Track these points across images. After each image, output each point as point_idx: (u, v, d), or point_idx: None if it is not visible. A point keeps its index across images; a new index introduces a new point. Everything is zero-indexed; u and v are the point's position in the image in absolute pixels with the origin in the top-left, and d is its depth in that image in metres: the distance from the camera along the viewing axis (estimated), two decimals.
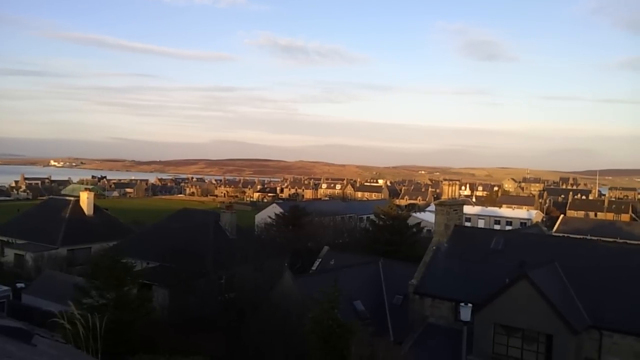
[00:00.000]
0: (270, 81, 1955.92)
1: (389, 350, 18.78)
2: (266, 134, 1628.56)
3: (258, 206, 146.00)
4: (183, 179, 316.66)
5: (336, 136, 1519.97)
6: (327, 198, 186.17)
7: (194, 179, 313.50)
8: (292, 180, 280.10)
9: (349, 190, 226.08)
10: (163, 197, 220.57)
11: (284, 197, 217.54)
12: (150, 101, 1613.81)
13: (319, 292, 22.21)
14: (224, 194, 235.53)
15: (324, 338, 19.53)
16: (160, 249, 42.64)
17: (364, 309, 30.73)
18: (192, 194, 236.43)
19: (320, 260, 40.09)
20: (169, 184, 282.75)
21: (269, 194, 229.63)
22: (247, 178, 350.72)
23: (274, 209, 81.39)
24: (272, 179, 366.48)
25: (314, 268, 39.20)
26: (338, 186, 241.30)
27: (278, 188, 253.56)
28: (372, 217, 64.59)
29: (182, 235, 44.76)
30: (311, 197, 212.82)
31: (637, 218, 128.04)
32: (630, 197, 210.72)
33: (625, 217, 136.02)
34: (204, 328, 27.86)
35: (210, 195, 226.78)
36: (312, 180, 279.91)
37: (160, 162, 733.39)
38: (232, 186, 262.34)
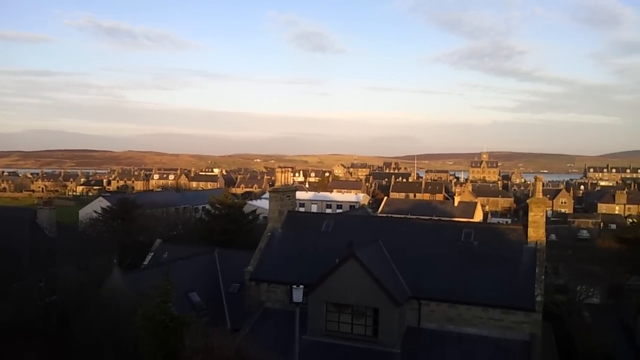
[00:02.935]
0: (95, 66, 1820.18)
1: (224, 338, 18.73)
2: (90, 122, 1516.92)
3: (82, 200, 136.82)
4: None
5: (168, 125, 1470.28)
6: (159, 189, 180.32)
7: (6, 173, 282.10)
8: (120, 171, 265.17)
9: (183, 180, 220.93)
10: None
11: (111, 189, 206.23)
12: None
13: (150, 287, 21.39)
14: (42, 188, 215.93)
15: (157, 334, 18.85)
16: None
17: (200, 300, 30.32)
18: (4, 189, 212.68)
19: (152, 254, 38.77)
20: None
21: (95, 187, 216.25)
22: (69, 170, 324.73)
23: (101, 203, 76.52)
24: (97, 171, 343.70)
25: (146, 263, 37.74)
26: (171, 176, 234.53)
27: (105, 180, 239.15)
28: (207, 206, 63.74)
29: None
30: (142, 189, 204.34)
31: (449, 197, 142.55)
32: (443, 179, 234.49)
33: (439, 197, 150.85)
34: (23, 336, 25.40)
35: (26, 191, 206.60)
36: (143, 171, 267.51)
37: None
38: (52, 180, 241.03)
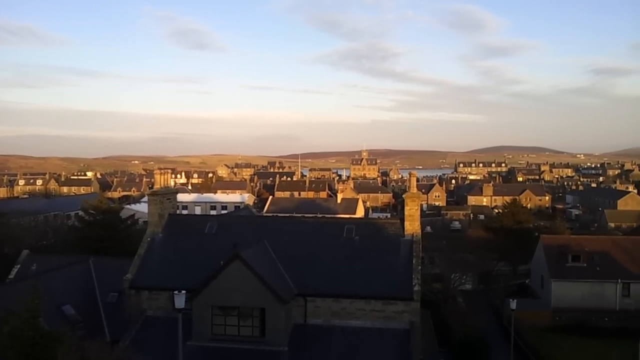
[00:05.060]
0: None
1: (102, 351, 17.68)
2: None
3: None
4: None
5: (34, 125, 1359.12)
6: (26, 196, 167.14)
7: None
8: None
9: (53, 185, 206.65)
10: None
11: None
12: None
13: (17, 302, 19.71)
14: None
15: (25, 352, 17.40)
16: None
17: (74, 313, 28.47)
18: None
19: (19, 266, 35.80)
20: None
21: None
22: None
23: None
24: None
25: (11, 276, 34.80)
26: (39, 181, 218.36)
27: None
28: (80, 213, 60.22)
29: None
30: (6, 196, 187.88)
31: (332, 194, 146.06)
32: (326, 177, 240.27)
33: (323, 194, 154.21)
34: None
35: None
36: (6, 176, 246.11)
37: None
38: None
